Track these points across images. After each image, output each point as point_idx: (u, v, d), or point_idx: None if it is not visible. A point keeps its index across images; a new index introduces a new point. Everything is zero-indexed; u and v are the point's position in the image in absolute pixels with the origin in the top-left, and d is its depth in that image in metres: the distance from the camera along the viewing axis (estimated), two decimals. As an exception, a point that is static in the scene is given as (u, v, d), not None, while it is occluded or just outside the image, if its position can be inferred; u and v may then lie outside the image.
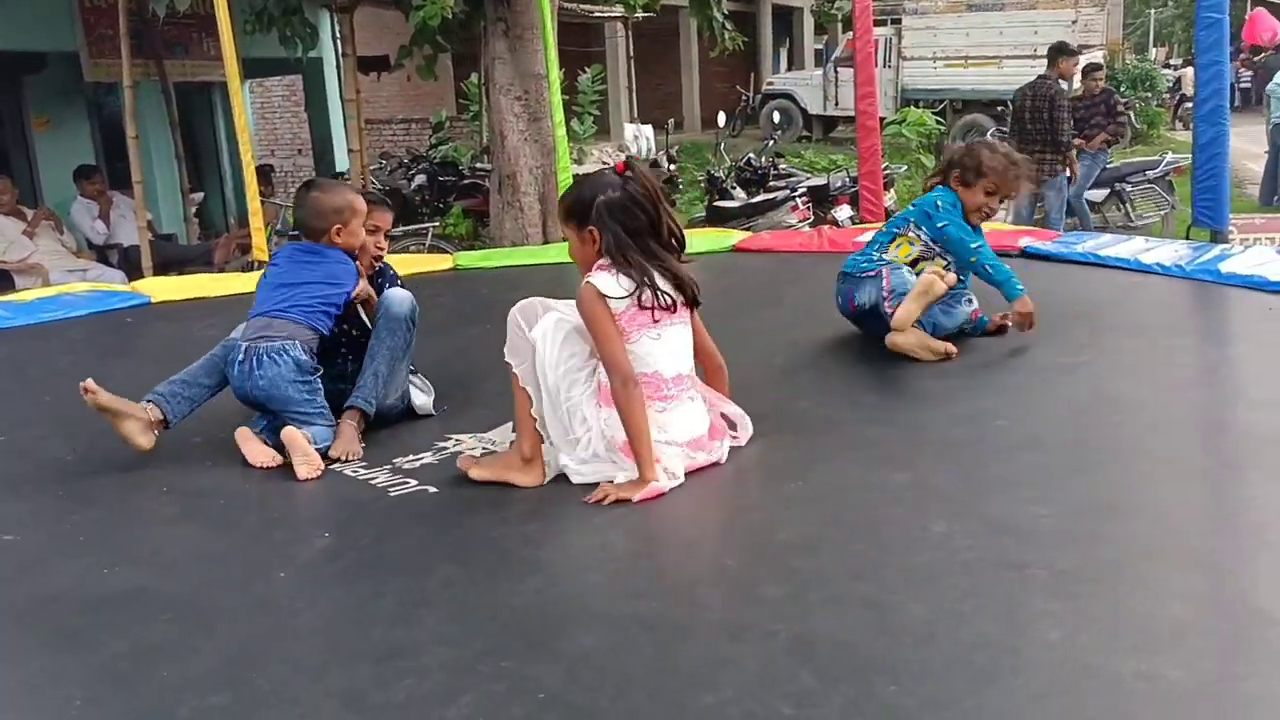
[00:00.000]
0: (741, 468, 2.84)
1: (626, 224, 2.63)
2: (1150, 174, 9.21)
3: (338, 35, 10.07)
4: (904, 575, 2.12)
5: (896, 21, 17.88)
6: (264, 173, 10.07)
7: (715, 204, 9.00)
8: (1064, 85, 8.31)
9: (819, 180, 9.26)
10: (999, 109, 15.58)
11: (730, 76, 21.75)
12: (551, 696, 1.75)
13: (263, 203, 6.60)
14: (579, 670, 1.83)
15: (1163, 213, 9.20)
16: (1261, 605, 1.97)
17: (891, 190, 9.00)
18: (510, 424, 2.94)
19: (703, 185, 10.23)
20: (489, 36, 7.81)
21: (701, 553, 2.38)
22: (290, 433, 2.89)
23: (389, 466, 2.88)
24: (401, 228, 9.03)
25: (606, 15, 13.12)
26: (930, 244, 3.76)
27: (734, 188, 9.28)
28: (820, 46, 23.58)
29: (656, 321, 2.66)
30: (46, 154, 9.79)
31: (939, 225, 3.72)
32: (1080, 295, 4.65)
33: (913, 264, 3.74)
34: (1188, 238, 5.99)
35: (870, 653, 1.84)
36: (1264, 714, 1.65)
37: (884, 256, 3.77)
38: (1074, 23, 16.18)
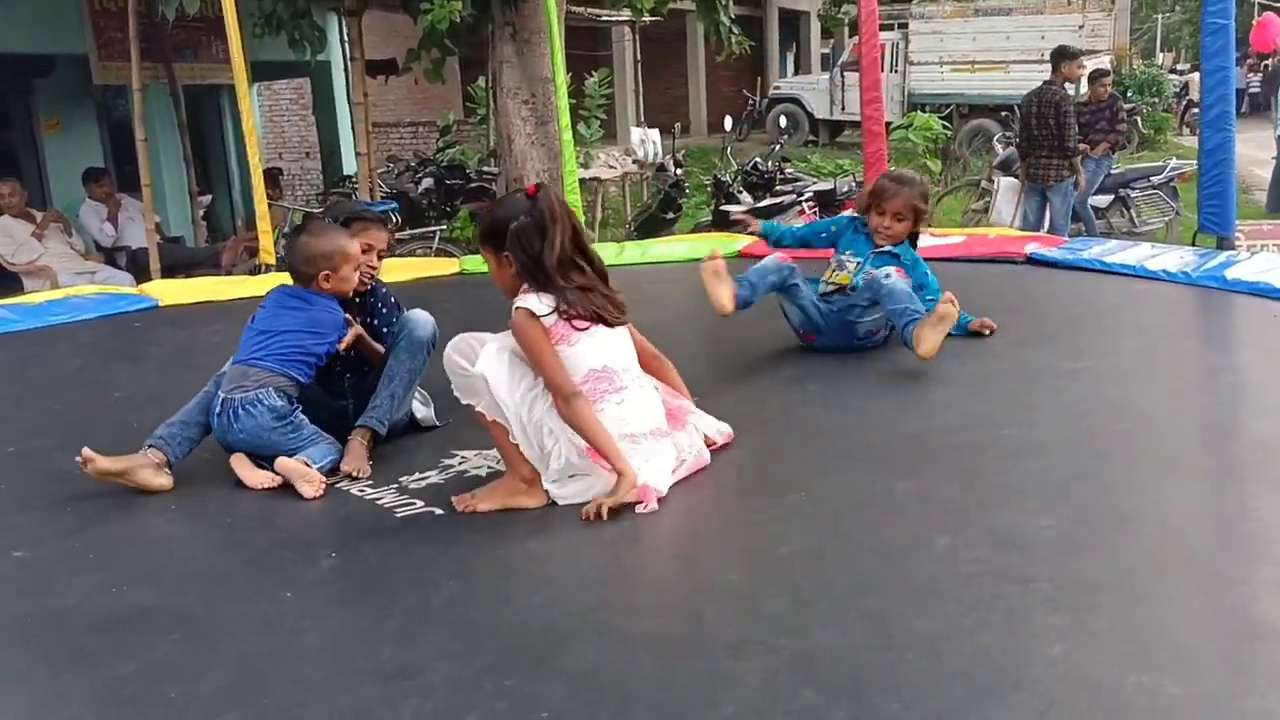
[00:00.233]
0: (744, 478, 2.85)
1: (537, 247, 2.65)
2: (1155, 180, 9.19)
3: (346, 39, 10.09)
4: (907, 589, 2.13)
5: (903, 26, 17.89)
6: (272, 176, 10.10)
7: (721, 208, 8.99)
8: (1069, 89, 8.31)
9: (825, 185, 9.24)
10: (1005, 114, 15.56)
11: (736, 81, 21.79)
12: (554, 714, 1.76)
13: (270, 206, 6.62)
14: (581, 687, 1.84)
15: (1167, 219, 9.19)
16: (1265, 618, 1.98)
17: (897, 195, 9.00)
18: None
19: (709, 189, 10.22)
20: (496, 40, 7.82)
21: (704, 567, 2.38)
22: (283, 463, 2.89)
23: (395, 486, 2.87)
24: (408, 231, 9.05)
25: (613, 20, 13.14)
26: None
27: (740, 192, 9.27)
28: (827, 51, 23.54)
29: (586, 329, 2.68)
30: (55, 156, 9.83)
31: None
32: (1085, 301, 4.66)
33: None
34: (1194, 244, 5.99)
35: (873, 668, 1.84)
36: (1266, 730, 1.66)
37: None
38: (1081, 27, 16.18)
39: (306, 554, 2.54)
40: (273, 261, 6.31)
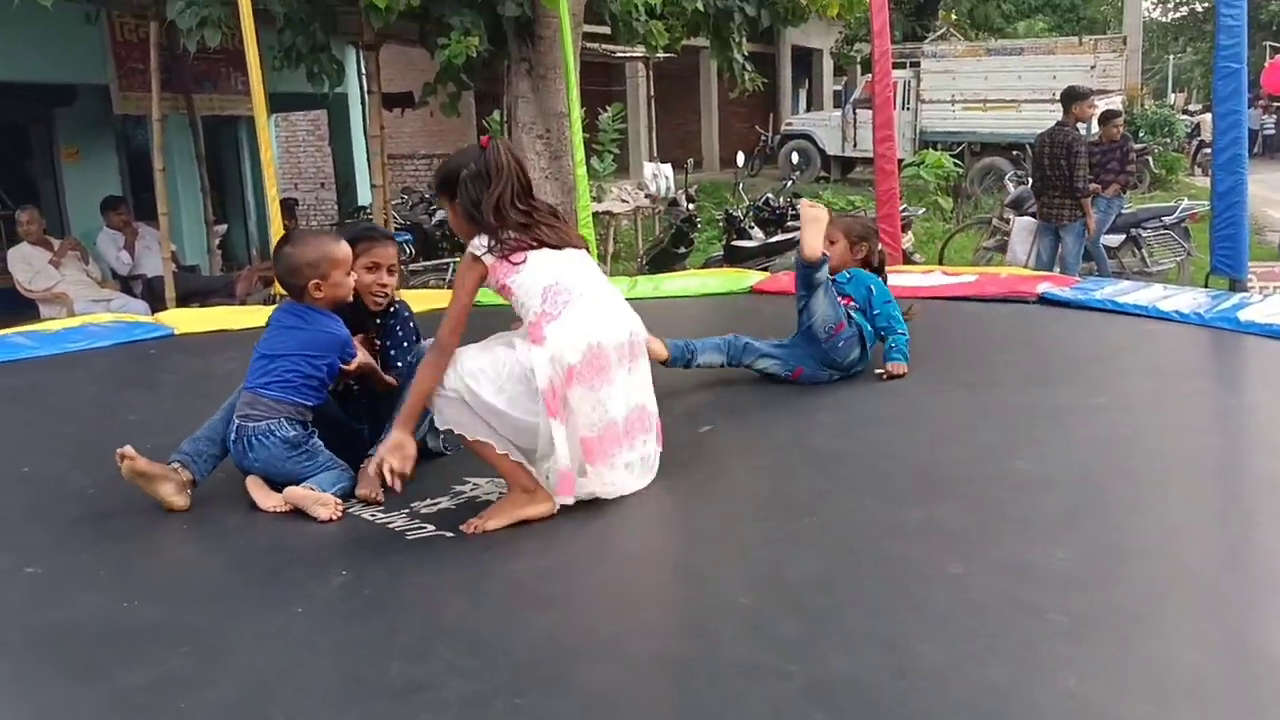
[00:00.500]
0: (754, 501, 2.86)
1: (479, 195, 2.75)
2: (1166, 220, 9.21)
3: (363, 72, 10.22)
4: (919, 616, 2.13)
5: (915, 64, 18.01)
6: (288, 206, 10.19)
7: (733, 244, 9.04)
8: (1081, 129, 8.35)
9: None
10: (1016, 153, 15.64)
11: (749, 117, 21.94)
12: (567, 734, 1.76)
13: (286, 236, 6.67)
14: (592, 708, 1.84)
15: (1179, 259, 9.20)
16: (1277, 653, 1.97)
17: (909, 232, 9.04)
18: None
19: (721, 225, 10.28)
20: (512, 75, 7.91)
21: (714, 589, 2.37)
22: (291, 493, 2.88)
23: (406, 511, 2.88)
24: (422, 262, 9.12)
25: (628, 56, 13.27)
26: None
27: (752, 227, 9.32)
28: (839, 88, 23.73)
29: (524, 260, 2.73)
30: (75, 185, 9.94)
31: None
32: (1098, 340, 4.67)
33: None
34: (1206, 285, 6.00)
35: (885, 696, 1.84)
36: (1279, 766, 1.65)
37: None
38: (1093, 68, 16.27)
39: (317, 572, 2.55)
40: (285, 292, 6.34)
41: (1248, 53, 5.84)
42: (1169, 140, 19.11)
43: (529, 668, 2.00)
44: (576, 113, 6.88)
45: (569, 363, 2.64)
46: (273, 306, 6.21)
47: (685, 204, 10.10)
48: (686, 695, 1.88)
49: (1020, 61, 17.18)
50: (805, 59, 25.77)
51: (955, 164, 13.64)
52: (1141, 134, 17.62)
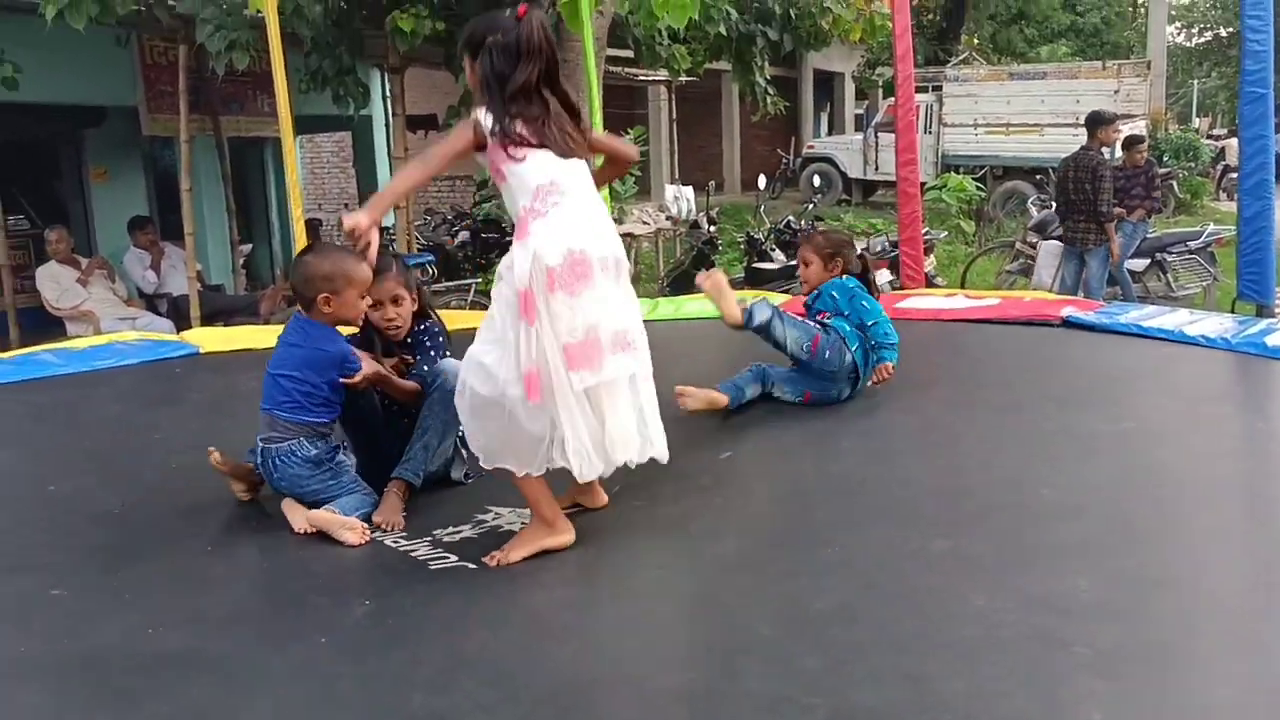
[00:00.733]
0: (776, 531, 2.84)
1: (502, 68, 2.63)
2: (1192, 245, 9.16)
3: (388, 94, 10.31)
4: (944, 649, 2.10)
5: (938, 88, 18.01)
6: (312, 226, 10.24)
7: (754, 266, 9.04)
8: (1106, 153, 8.32)
9: (858, 244, 9.28)
10: (1039, 177, 15.59)
11: (771, 140, 21.97)
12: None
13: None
14: (615, 740, 1.83)
15: (1204, 284, 9.13)
16: (1308, 687, 1.94)
17: (931, 256, 9.02)
18: None
19: (742, 247, 10.28)
20: (535, 98, 7.96)
21: (737, 620, 2.36)
22: (315, 517, 2.88)
23: (429, 539, 2.86)
24: (445, 283, 9.16)
25: (651, 79, 13.33)
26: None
27: (773, 250, 9.32)
28: (861, 111, 23.76)
29: (524, 157, 2.65)
30: (103, 204, 10.05)
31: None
32: (1124, 364, 4.63)
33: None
34: (1233, 311, 5.95)
35: (909, 729, 1.82)
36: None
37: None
38: (1116, 92, 16.23)
39: (341, 600, 2.55)
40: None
41: (1274, 77, 5.81)
42: (1194, 165, 19.01)
43: (549, 699, 1.99)
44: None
45: (548, 264, 2.56)
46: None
47: (706, 226, 10.11)
48: (708, 728, 1.87)
49: (1043, 86, 17.15)
50: (827, 82, 25.82)
51: (978, 187, 13.60)
52: (1166, 159, 17.52)
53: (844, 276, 4.02)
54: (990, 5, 25.85)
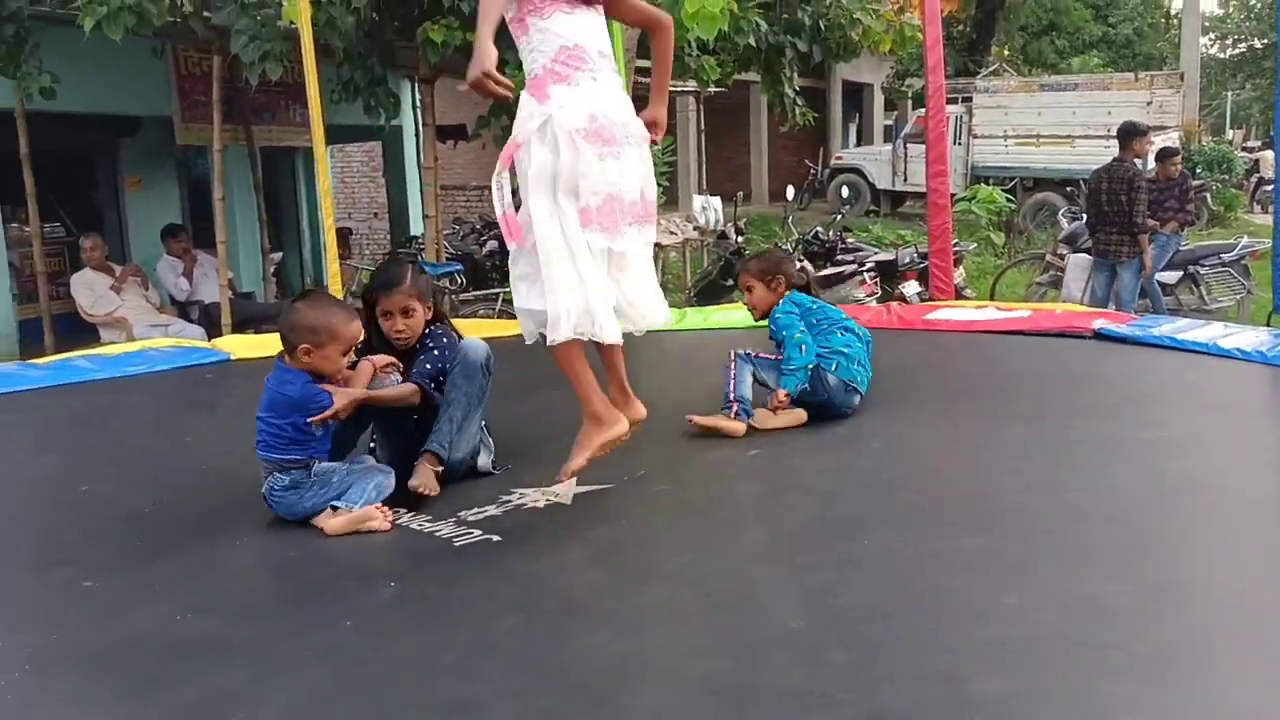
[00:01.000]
0: (805, 525, 2.84)
1: None
2: (1225, 257, 9.05)
3: (418, 104, 10.38)
4: (975, 648, 2.09)
5: (967, 99, 17.94)
6: (342, 235, 10.37)
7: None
8: (1139, 164, 8.26)
9: (887, 255, 9.25)
10: (1070, 188, 15.49)
11: (799, 150, 21.95)
12: (617, 758, 1.75)
13: (340, 264, 6.78)
14: (644, 732, 1.83)
15: (1238, 297, 9.03)
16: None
17: (960, 267, 8.97)
18: (573, 481, 2.96)
19: (769, 258, 10.26)
20: (565, 108, 7.99)
21: (766, 612, 2.34)
22: (334, 528, 2.88)
23: (454, 519, 2.91)
24: (472, 292, 9.20)
25: (679, 89, 13.35)
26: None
27: (801, 261, 9.30)
28: (889, 122, 23.69)
29: (551, 11, 2.66)
30: (136, 213, 10.19)
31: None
32: (1155, 376, 4.59)
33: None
34: (1268, 324, 5.88)
35: (941, 729, 1.81)
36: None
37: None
38: (1149, 103, 16.11)
39: (366, 584, 2.57)
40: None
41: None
42: (1227, 177, 18.83)
43: (578, 688, 2.00)
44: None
45: (575, 126, 2.60)
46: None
47: (734, 237, 10.11)
48: (738, 721, 1.86)
49: (1075, 97, 17.05)
50: (856, 93, 25.78)
51: (1007, 199, 13.53)
52: (1199, 170, 17.37)
53: (790, 292, 3.94)
54: (1021, 17, 25.73)
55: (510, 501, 3.02)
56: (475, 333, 5.94)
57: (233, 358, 5.54)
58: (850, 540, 2.68)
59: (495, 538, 2.71)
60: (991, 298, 9.38)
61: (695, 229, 12.53)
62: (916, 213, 17.18)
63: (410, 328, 3.28)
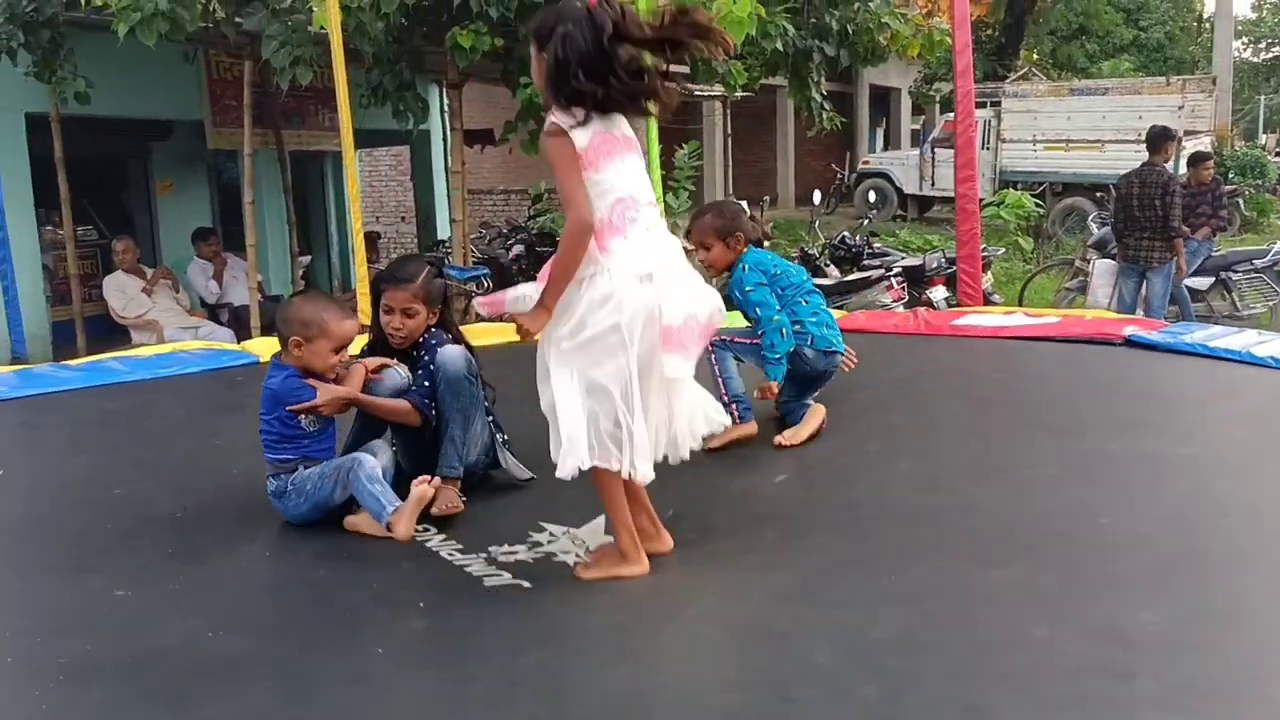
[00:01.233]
0: (832, 558, 2.80)
1: (573, 55, 2.49)
2: (1258, 263, 8.96)
3: (446, 109, 10.43)
4: (1004, 681, 2.06)
5: (996, 104, 17.82)
6: (370, 239, 10.41)
7: (809, 281, 8.98)
8: (1169, 168, 8.18)
9: (914, 260, 9.20)
10: (1099, 194, 15.35)
11: (825, 155, 21.87)
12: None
13: (369, 268, 6.81)
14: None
15: (1270, 303, 8.93)
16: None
17: (989, 272, 8.91)
18: (601, 518, 2.89)
19: (796, 262, 10.22)
20: (591, 114, 8.00)
21: (792, 647, 2.32)
22: (401, 531, 2.85)
23: (484, 555, 2.84)
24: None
25: (706, 94, 13.33)
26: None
27: (828, 265, 9.28)
28: (917, 127, 23.59)
29: (618, 152, 2.61)
30: (168, 216, 10.28)
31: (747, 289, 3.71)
32: (1189, 386, 4.53)
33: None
34: (1302, 332, 5.80)
35: (971, 760, 1.79)
36: None
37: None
38: (1180, 108, 15.92)
39: (397, 612, 2.57)
40: (368, 322, 6.46)
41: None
42: (1260, 182, 18.60)
43: (604, 720, 1.98)
44: (655, 150, 6.91)
45: (637, 271, 2.57)
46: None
47: (761, 242, 10.07)
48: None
49: (1105, 101, 16.89)
50: (883, 98, 25.66)
51: (1036, 204, 13.43)
52: (1231, 175, 17.17)
53: (747, 248, 3.81)
54: (1051, 21, 25.53)
55: (540, 545, 2.91)
56: (497, 337, 5.97)
57: (261, 360, 5.56)
58: (879, 575, 2.64)
59: (525, 583, 2.67)
60: (1020, 303, 9.32)
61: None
62: (944, 217, 17.09)
63: (409, 329, 3.24)
